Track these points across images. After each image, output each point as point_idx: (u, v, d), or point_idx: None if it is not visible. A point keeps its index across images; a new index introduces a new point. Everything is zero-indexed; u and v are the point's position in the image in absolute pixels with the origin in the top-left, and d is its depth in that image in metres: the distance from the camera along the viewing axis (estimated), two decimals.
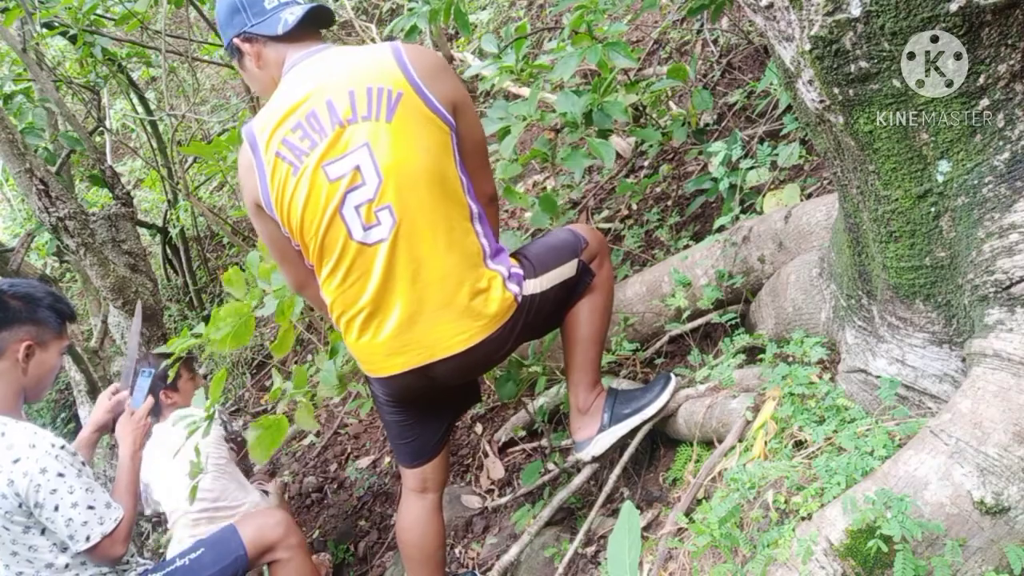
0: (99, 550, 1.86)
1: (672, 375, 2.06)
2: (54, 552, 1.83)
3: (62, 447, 1.83)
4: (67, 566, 1.85)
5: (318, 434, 3.80)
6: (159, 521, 3.26)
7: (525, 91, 3.99)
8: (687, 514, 1.69)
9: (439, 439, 1.97)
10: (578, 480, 2.15)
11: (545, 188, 3.82)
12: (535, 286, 1.78)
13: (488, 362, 1.85)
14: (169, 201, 5.08)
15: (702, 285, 2.28)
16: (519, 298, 1.72)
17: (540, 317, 1.84)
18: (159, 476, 2.61)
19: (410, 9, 2.56)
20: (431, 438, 1.95)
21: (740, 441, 1.76)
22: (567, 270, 1.86)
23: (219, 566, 2.04)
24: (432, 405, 1.93)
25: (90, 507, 1.84)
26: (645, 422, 2.01)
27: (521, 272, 1.76)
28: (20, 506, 1.77)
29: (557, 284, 1.84)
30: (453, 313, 1.64)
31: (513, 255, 1.81)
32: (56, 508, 1.79)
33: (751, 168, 2.54)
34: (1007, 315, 1.30)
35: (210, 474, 2.54)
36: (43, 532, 1.82)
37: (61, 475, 1.79)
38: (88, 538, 1.83)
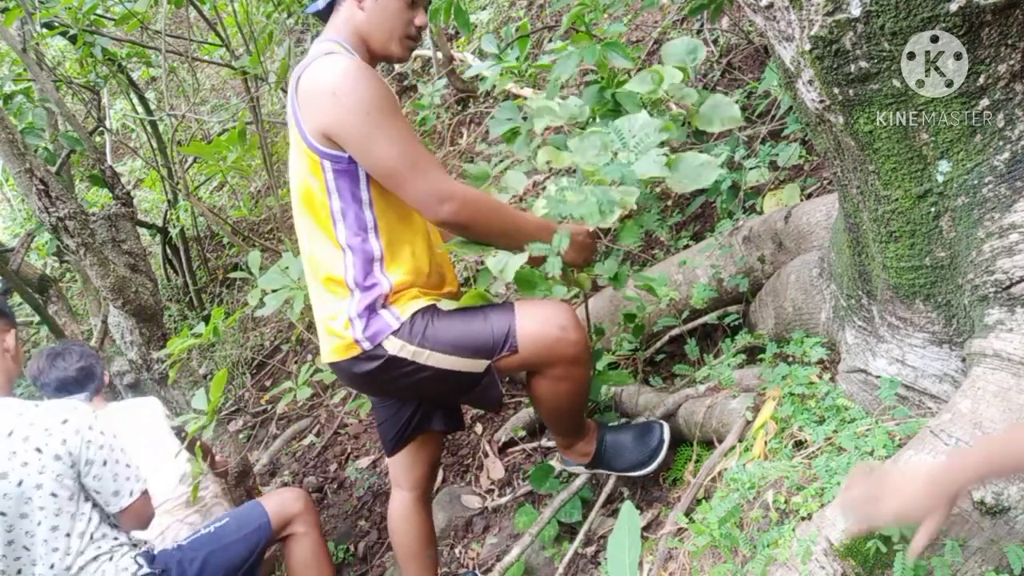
0: (138, 505, 1.94)
1: (665, 429, 1.99)
2: (93, 523, 1.89)
3: (95, 412, 1.96)
4: (105, 537, 1.90)
5: (318, 434, 3.80)
6: None
7: (526, 91, 3.99)
8: (687, 514, 1.69)
9: (393, 438, 1.96)
10: (578, 481, 2.15)
11: (546, 188, 3.81)
12: (407, 351, 1.63)
13: (371, 388, 1.81)
14: (169, 201, 5.08)
15: (700, 285, 2.28)
16: (364, 345, 1.63)
17: (413, 388, 1.71)
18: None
19: None
20: (387, 432, 1.97)
21: (740, 441, 1.76)
22: (468, 364, 1.66)
23: (243, 531, 2.08)
24: (381, 399, 1.95)
25: (128, 465, 1.93)
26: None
27: (391, 326, 1.63)
28: (72, 466, 1.83)
29: (447, 370, 1.66)
30: (321, 325, 1.73)
31: (421, 308, 1.66)
32: (105, 463, 1.87)
33: (753, 168, 2.53)
34: (1007, 315, 1.30)
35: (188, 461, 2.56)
36: (86, 499, 1.88)
37: (103, 434, 1.90)
38: (132, 493, 1.91)
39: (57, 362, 2.48)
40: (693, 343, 2.30)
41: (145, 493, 1.95)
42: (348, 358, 1.67)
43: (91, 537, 1.87)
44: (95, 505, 1.90)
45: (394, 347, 1.63)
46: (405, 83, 5.20)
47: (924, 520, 1.10)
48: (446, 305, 1.71)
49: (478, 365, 1.67)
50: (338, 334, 1.67)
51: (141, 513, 1.96)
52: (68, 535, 1.84)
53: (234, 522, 2.12)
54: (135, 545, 1.98)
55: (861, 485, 1.17)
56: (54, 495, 1.81)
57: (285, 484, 3.54)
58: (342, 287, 1.65)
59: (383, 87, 1.53)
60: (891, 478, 1.16)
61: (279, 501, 2.21)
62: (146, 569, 1.90)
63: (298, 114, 1.58)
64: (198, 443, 2.43)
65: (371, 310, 1.63)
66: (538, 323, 1.66)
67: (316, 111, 1.54)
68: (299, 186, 1.65)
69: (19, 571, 1.78)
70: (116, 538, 1.92)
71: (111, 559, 1.88)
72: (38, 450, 1.80)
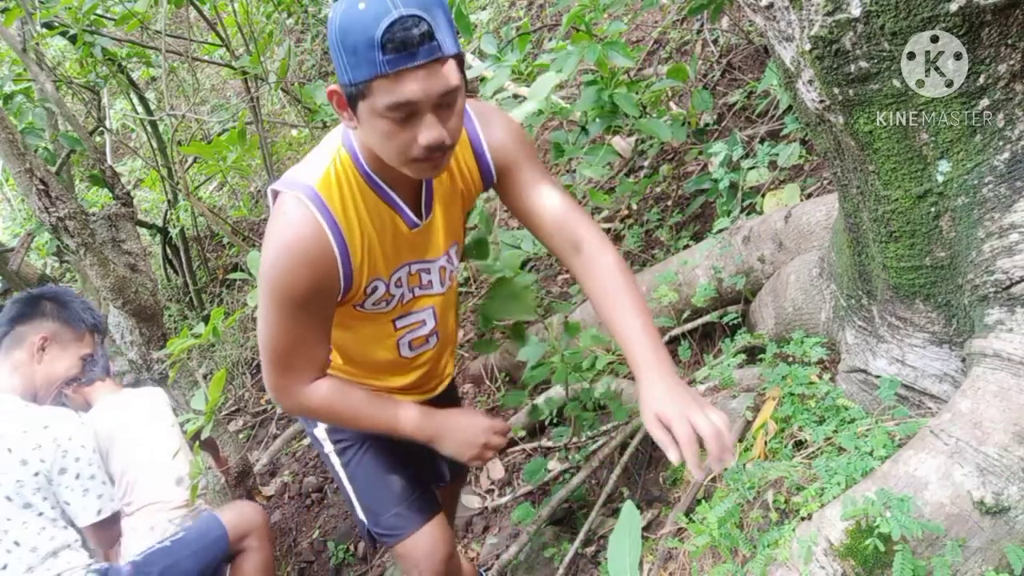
0: (106, 524, 1.99)
1: None
2: (44, 539, 1.85)
3: (82, 423, 2.00)
4: (58, 556, 1.86)
5: None
6: None
7: (523, 91, 3.98)
8: (687, 514, 1.69)
9: None
10: (577, 479, 2.15)
11: None
12: (327, 446, 1.69)
13: None
14: (169, 201, 5.08)
15: (701, 285, 2.28)
16: None
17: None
18: (136, 464, 2.54)
19: None
20: None
21: (740, 441, 1.76)
22: (357, 507, 1.69)
23: (200, 544, 2.04)
24: None
25: (103, 483, 1.99)
26: None
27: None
28: (36, 474, 1.83)
29: (341, 487, 1.72)
30: None
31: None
32: (77, 476, 1.91)
33: (752, 168, 2.53)
34: (1007, 315, 1.31)
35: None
36: (40, 514, 1.85)
37: (84, 447, 1.94)
38: (100, 511, 1.95)
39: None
40: (686, 345, 2.30)
41: (115, 515, 2.00)
42: None
43: (41, 555, 1.83)
44: (54, 521, 1.87)
45: (320, 434, 1.69)
46: None
47: None
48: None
49: (362, 515, 1.69)
50: None
51: (109, 531, 2.01)
52: (17, 544, 1.80)
53: (190, 535, 2.07)
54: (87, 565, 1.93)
55: None
56: (8, 499, 1.79)
57: (285, 484, 3.54)
58: None
59: (292, 282, 1.36)
60: None
61: (237, 514, 2.16)
62: None
63: None
64: (197, 443, 2.42)
65: None
66: (429, 546, 1.62)
67: None
68: None
69: None
70: (69, 562, 1.88)
71: None
72: (9, 451, 1.79)
